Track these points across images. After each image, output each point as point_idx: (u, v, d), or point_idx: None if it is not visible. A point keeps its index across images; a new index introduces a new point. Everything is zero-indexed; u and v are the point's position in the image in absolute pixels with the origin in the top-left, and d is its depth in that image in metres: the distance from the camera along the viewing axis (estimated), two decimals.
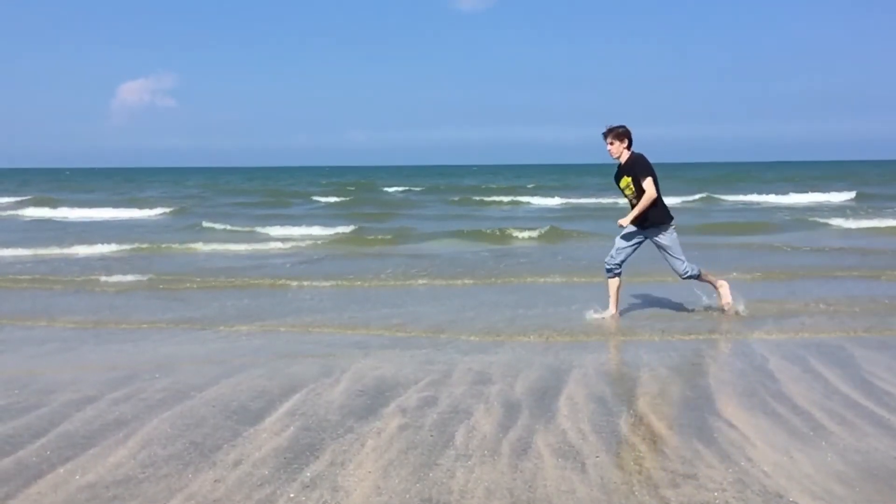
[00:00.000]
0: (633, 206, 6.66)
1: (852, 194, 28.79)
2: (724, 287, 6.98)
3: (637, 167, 6.50)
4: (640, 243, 6.85)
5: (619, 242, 6.84)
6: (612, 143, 6.56)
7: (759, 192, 30.09)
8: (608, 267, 6.89)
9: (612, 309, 6.91)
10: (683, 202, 26.86)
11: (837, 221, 17.53)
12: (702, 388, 4.63)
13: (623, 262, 6.86)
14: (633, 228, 6.74)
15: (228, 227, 17.36)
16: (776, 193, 29.52)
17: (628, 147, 6.58)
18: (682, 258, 6.75)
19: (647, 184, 6.45)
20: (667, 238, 6.70)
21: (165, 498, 3.11)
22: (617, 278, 6.88)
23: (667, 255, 6.77)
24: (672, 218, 6.73)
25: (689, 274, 6.77)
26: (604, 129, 6.58)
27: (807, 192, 29.84)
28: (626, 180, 6.59)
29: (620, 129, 6.54)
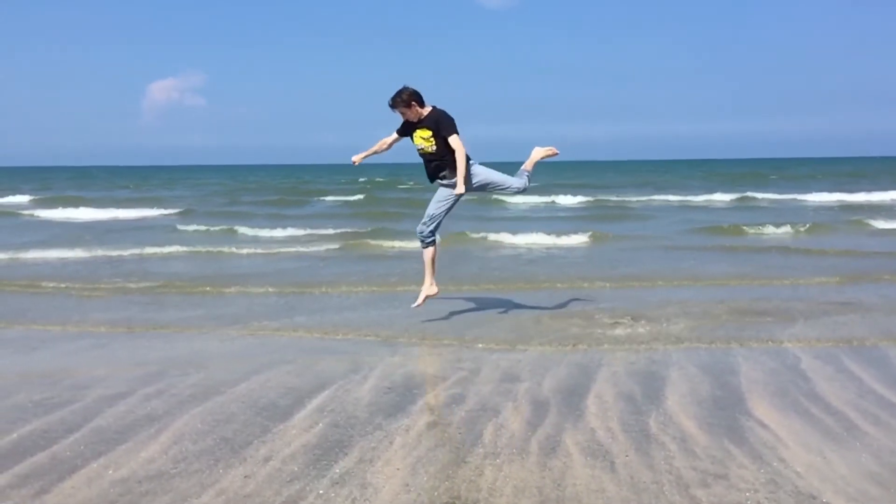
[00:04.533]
0: (429, 160, 6.38)
1: None
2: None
3: (443, 123, 6.24)
4: (453, 203, 6.53)
5: (432, 208, 6.51)
6: (403, 113, 6.27)
7: (799, 191, 29.15)
8: (422, 237, 6.55)
9: (428, 281, 6.65)
10: (730, 201, 26.08)
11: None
12: (732, 388, 4.58)
13: (437, 228, 6.56)
14: (447, 192, 6.45)
15: (236, 229, 16.85)
16: (814, 191, 28.64)
17: (421, 105, 6.27)
18: (507, 176, 6.50)
19: (455, 142, 6.20)
20: (479, 176, 6.43)
21: (197, 493, 3.14)
22: (432, 248, 6.59)
23: (493, 187, 6.51)
24: (470, 158, 6.45)
25: (526, 184, 6.52)
26: (389, 103, 6.23)
27: (855, 191, 28.45)
28: (426, 133, 6.27)
29: (405, 96, 6.20)
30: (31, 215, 23.64)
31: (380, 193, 34.07)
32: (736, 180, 42.23)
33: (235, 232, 16.37)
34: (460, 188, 6.25)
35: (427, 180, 6.53)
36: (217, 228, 17.03)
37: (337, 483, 3.22)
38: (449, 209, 6.54)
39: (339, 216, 20.94)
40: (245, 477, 3.29)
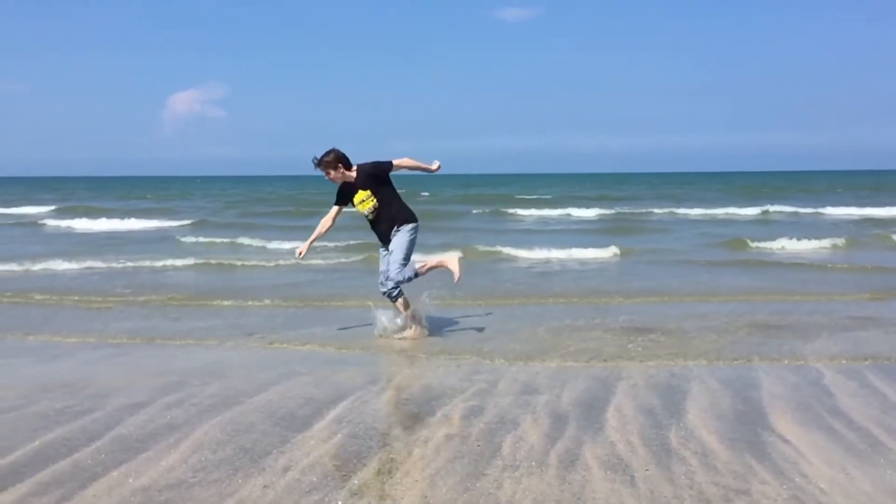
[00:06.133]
0: (375, 222, 6.40)
1: None
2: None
3: (375, 171, 6.26)
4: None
5: (383, 265, 6.50)
6: (329, 174, 6.26)
7: (819, 205, 28.62)
8: (388, 295, 6.48)
9: (415, 325, 6.56)
10: (750, 215, 25.57)
11: None
12: (754, 402, 4.54)
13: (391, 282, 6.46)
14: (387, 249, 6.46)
15: (251, 240, 16.72)
16: (836, 205, 28.05)
17: (348, 168, 6.28)
18: (403, 261, 6.26)
19: (398, 161, 6.27)
20: (395, 242, 6.32)
21: (216, 502, 3.15)
22: (401, 297, 6.51)
23: (391, 258, 6.32)
24: (414, 220, 6.41)
25: (405, 278, 6.26)
26: (314, 162, 6.23)
27: (877, 205, 27.57)
28: (364, 194, 6.29)
29: (329, 158, 6.21)
30: (48, 225, 23.88)
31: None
32: (756, 193, 41.92)
33: (250, 243, 16.32)
34: (434, 167, 6.46)
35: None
36: (231, 240, 16.94)
37: (355, 494, 3.22)
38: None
39: (354, 228, 20.75)
40: (264, 487, 3.30)
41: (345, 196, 6.46)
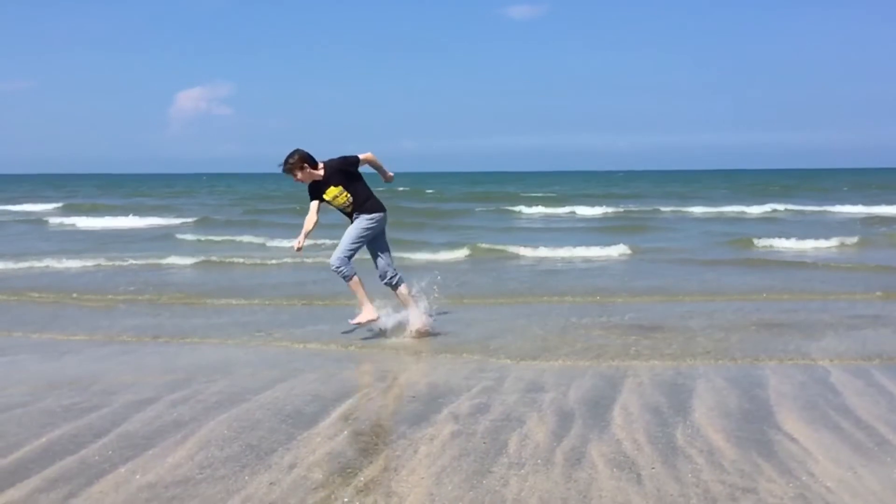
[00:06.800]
0: (350, 213, 6.42)
1: None
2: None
3: (344, 167, 6.29)
4: (376, 232, 6.54)
5: (374, 255, 6.59)
6: (295, 176, 6.28)
7: (827, 203, 28.38)
8: (389, 282, 6.56)
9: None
10: (757, 213, 25.32)
11: None
12: (760, 401, 4.53)
13: (386, 268, 6.55)
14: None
15: (255, 238, 16.55)
16: (843, 203, 27.75)
17: (314, 167, 6.28)
18: (344, 251, 6.30)
19: (363, 155, 6.40)
20: (354, 224, 6.39)
21: (223, 499, 3.16)
22: (403, 285, 6.58)
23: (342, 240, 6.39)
24: (380, 210, 6.43)
25: (337, 268, 6.27)
26: (280, 168, 6.28)
27: (884, 203, 26.88)
28: (336, 190, 6.31)
29: (294, 160, 6.22)
30: (53, 222, 23.89)
31: (402, 202, 33.65)
32: (762, 192, 41.77)
33: (252, 241, 16.30)
34: (390, 175, 6.68)
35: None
36: (235, 238, 16.89)
37: (361, 491, 3.22)
38: (369, 247, 6.55)
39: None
40: (270, 484, 3.31)
41: (316, 193, 6.49)
